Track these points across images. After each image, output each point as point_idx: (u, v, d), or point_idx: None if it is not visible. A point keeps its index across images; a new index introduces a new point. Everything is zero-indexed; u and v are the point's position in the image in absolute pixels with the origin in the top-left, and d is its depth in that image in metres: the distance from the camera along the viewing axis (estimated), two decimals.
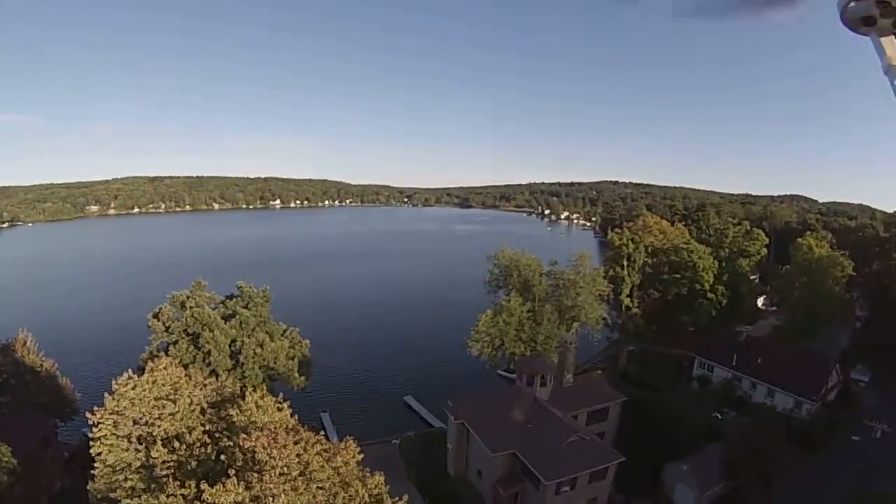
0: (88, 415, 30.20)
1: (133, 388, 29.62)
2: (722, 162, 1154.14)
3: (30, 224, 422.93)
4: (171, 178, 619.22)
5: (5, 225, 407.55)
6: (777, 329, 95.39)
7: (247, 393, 30.07)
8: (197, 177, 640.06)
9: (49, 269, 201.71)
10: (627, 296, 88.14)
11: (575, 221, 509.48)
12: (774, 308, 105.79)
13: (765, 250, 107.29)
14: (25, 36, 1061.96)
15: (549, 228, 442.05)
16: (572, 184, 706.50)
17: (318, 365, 71.92)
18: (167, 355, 51.44)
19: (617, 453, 49.67)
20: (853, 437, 58.34)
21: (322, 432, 27.24)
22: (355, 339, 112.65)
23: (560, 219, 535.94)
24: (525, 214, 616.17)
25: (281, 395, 32.01)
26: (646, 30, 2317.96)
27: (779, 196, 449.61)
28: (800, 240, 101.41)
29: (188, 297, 57.77)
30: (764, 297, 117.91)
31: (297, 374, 59.02)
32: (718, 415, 68.73)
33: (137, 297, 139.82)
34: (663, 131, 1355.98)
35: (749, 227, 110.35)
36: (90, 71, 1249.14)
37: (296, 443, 22.47)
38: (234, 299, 62.46)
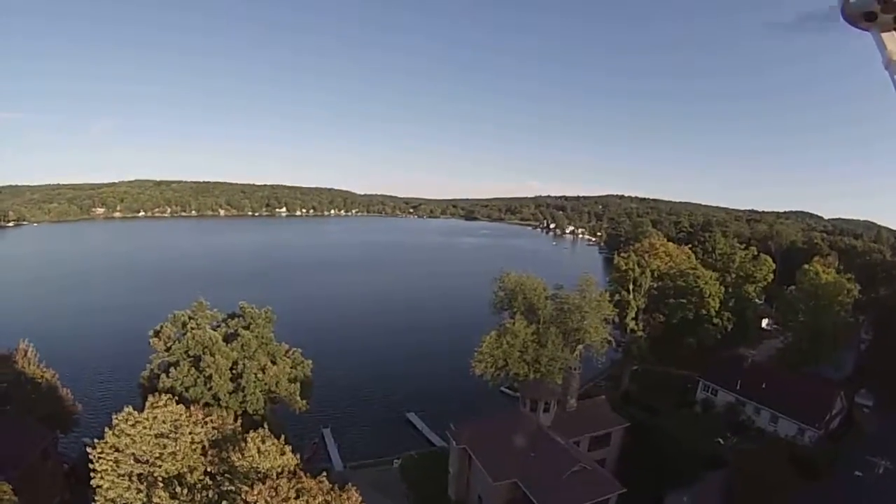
0: (89, 450, 30.08)
1: (133, 426, 29.47)
2: (727, 175, 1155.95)
3: (35, 224, 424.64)
4: (177, 182, 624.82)
5: (10, 224, 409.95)
6: (781, 352, 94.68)
7: (248, 437, 29.78)
8: (204, 182, 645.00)
9: (51, 271, 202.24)
10: (633, 319, 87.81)
11: (580, 236, 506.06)
12: (777, 326, 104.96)
13: (772, 276, 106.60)
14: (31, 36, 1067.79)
15: (554, 243, 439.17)
16: (578, 197, 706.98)
17: (319, 379, 71.28)
18: (168, 376, 51.35)
19: (618, 484, 49.03)
20: (856, 472, 57.52)
21: (325, 474, 26.73)
22: (357, 352, 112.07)
23: (565, 233, 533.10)
24: (530, 228, 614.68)
25: (283, 437, 31.64)
26: (647, 37, 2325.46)
27: (784, 213, 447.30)
28: (807, 266, 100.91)
29: (189, 318, 57.56)
30: (768, 318, 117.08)
31: (298, 398, 58.55)
32: (720, 440, 67.99)
33: (139, 301, 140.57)
34: (669, 143, 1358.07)
35: (756, 253, 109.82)
36: (97, 69, 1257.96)
37: (298, 494, 22.17)
38: (237, 319, 62.00)
